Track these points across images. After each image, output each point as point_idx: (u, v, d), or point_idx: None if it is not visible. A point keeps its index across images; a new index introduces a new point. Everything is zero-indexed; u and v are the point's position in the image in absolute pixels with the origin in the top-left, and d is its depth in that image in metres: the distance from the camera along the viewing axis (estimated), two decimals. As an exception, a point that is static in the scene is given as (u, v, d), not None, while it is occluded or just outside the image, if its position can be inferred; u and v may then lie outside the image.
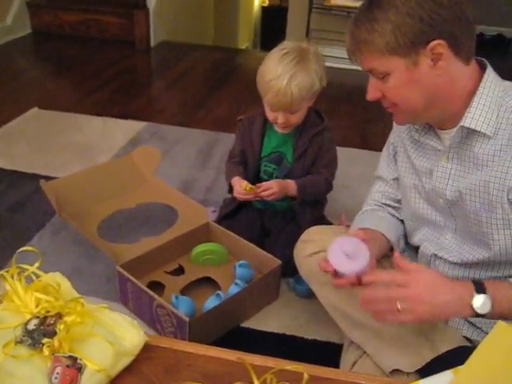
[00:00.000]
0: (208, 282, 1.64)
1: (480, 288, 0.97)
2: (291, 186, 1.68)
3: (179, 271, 1.69)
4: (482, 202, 1.08)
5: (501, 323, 0.66)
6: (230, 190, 1.75)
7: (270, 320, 1.57)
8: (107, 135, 2.66)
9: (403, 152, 1.26)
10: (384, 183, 1.36)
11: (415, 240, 1.28)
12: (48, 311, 0.85)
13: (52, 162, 2.38)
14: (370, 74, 1.09)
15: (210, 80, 3.65)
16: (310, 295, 1.51)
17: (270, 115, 1.63)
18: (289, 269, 1.57)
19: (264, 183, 1.64)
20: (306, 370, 0.75)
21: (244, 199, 1.69)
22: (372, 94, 1.11)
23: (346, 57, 1.09)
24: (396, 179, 1.33)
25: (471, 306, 0.95)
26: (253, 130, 1.72)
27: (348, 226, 1.83)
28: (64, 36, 4.23)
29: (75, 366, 0.79)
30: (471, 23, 1.01)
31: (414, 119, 1.14)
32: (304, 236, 1.39)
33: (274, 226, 1.78)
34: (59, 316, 0.84)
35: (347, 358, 1.28)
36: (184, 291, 1.59)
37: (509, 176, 1.02)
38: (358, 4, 1.10)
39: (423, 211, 1.23)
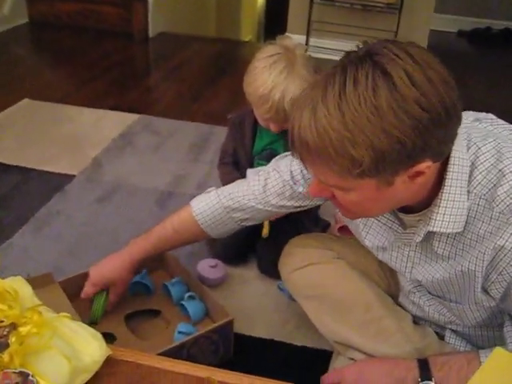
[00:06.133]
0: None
1: (425, 370, 0.93)
2: None
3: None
4: (447, 291, 0.99)
5: (498, 349, 0.58)
6: None
7: (259, 324, 1.49)
8: (98, 127, 2.58)
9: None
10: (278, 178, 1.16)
11: None
12: (1, 321, 0.78)
13: (39, 154, 2.30)
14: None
15: (209, 72, 3.56)
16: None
17: (262, 122, 1.52)
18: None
19: None
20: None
21: None
22: (317, 193, 0.88)
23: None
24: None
25: None
26: (244, 130, 1.63)
27: (341, 229, 1.76)
28: (61, 26, 4.14)
29: (26, 383, 0.71)
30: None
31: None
32: (287, 249, 1.33)
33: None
34: (13, 326, 0.77)
35: (336, 366, 1.21)
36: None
37: (480, 264, 0.87)
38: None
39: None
